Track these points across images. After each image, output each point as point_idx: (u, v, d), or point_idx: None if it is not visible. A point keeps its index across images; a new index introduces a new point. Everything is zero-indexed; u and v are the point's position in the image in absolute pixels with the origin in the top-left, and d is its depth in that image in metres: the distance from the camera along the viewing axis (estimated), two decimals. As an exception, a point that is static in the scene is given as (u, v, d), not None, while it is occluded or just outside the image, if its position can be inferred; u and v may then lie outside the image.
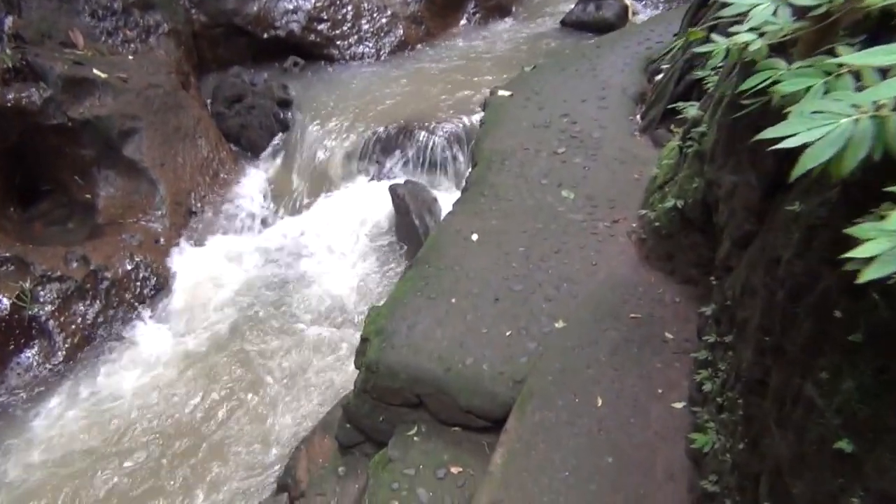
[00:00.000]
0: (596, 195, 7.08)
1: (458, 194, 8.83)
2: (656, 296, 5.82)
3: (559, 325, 5.53)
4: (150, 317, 8.39)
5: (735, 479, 3.22)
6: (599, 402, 4.87)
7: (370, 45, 13.00)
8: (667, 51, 9.61)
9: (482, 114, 9.13)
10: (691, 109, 5.97)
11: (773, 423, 2.31)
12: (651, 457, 4.56)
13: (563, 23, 13.89)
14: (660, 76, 8.77)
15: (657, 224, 6.01)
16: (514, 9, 14.77)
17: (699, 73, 7.33)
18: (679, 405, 4.83)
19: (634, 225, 6.63)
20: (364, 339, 5.71)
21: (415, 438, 5.25)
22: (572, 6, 14.01)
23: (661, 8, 13.88)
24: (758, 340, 2.72)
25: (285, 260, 9.02)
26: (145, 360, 7.80)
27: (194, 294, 8.56)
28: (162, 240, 9.39)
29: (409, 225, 9.35)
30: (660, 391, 4.98)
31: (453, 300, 5.80)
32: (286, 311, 8.14)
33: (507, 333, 5.47)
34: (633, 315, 5.61)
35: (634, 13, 13.99)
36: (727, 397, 3.72)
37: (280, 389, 7.30)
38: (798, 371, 2.13)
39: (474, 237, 6.54)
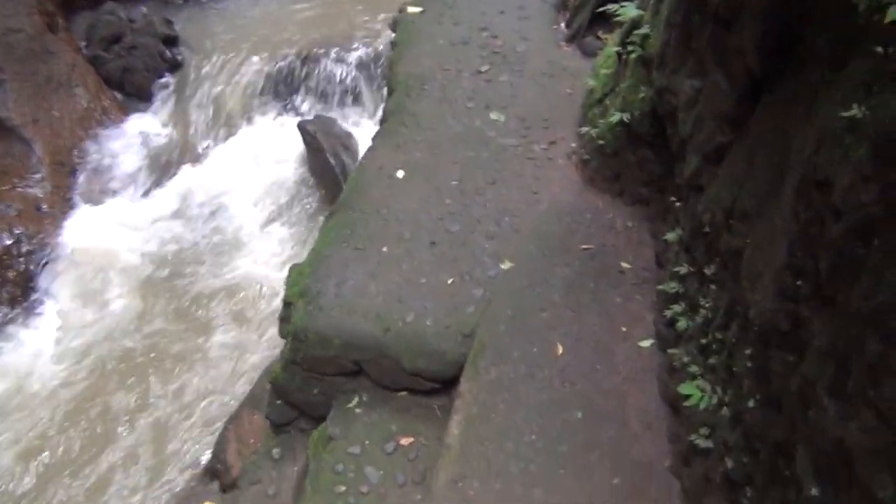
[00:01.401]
0: (527, 115, 6.43)
1: (374, 126, 8.03)
2: (606, 221, 5.29)
3: (505, 265, 4.94)
4: (39, 297, 7.38)
5: (740, 438, 2.73)
6: (560, 349, 4.34)
7: (263, -32, 11.73)
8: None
9: (393, 35, 8.25)
10: (629, 9, 5.32)
11: (827, 392, 1.78)
12: (622, 405, 4.09)
13: (468, -69, 12.89)
14: (582, -22, 8.05)
15: (601, 142, 5.43)
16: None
17: (627, -29, 6.68)
18: (646, 343, 4.36)
19: (574, 145, 6.04)
20: (287, 304, 5.01)
21: (356, 410, 4.64)
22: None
23: None
24: (782, 282, 2.17)
25: (188, 217, 8.07)
26: (37, 348, 6.86)
27: (88, 266, 7.56)
28: (45, 206, 8.27)
29: (324, 164, 8.51)
30: (623, 329, 4.49)
31: (384, 248, 5.12)
32: (194, 278, 7.27)
33: (449, 281, 4.85)
34: (583, 246, 5.07)
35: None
36: (715, 338, 3.22)
37: (196, 367, 6.51)
38: (873, 332, 1.58)
39: (400, 174, 5.83)
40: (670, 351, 3.84)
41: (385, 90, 7.95)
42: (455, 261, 5.00)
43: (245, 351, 6.63)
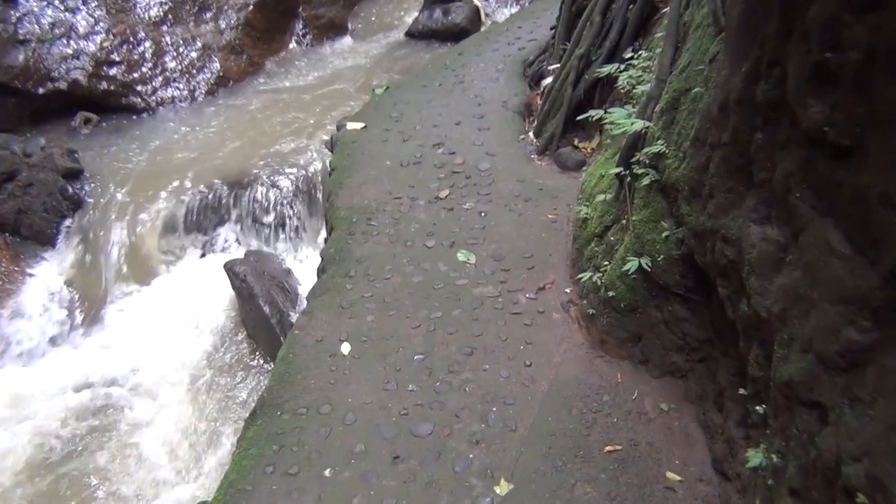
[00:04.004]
0: (504, 253, 5.09)
1: (316, 257, 6.63)
2: (631, 405, 3.87)
3: (501, 489, 3.45)
4: None
5: None
6: None
7: (181, 85, 10.50)
8: (544, 49, 7.86)
9: (331, 157, 6.97)
10: (626, 118, 4.09)
11: None
12: None
13: (408, 34, 11.97)
14: (547, 80, 6.95)
15: (610, 294, 4.07)
16: (349, 25, 12.69)
17: (604, 70, 5.54)
18: None
19: (569, 290, 4.69)
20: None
21: None
22: (416, 14, 12.13)
23: (516, 5, 12.20)
24: None
25: (89, 397, 6.37)
26: None
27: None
28: None
29: (258, 315, 7.00)
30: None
31: (327, 472, 3.60)
32: (87, 484, 5.55)
33: (424, 527, 3.34)
34: (608, 448, 3.62)
35: (487, 14, 12.29)
36: None
37: None
38: None
39: (345, 349, 4.37)
40: None
41: (324, 223, 6.58)
42: (429, 486, 3.49)
43: None
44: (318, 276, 5.33)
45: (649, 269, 3.74)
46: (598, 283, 4.21)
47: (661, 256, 3.69)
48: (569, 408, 3.85)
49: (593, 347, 4.24)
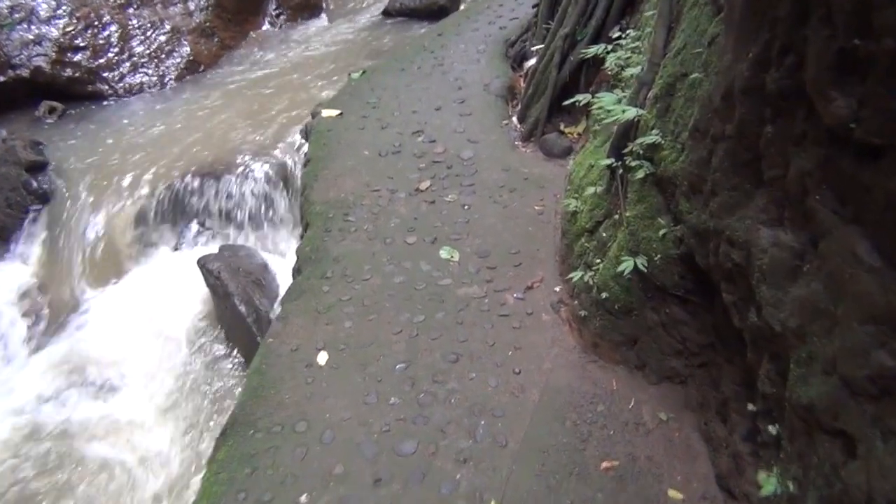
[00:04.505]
0: (490, 249, 4.81)
1: (295, 249, 6.35)
2: (628, 414, 3.62)
3: (492, 512, 3.20)
4: None
5: None
6: None
7: (150, 71, 10.08)
8: (527, 28, 7.53)
9: (306, 147, 6.64)
10: (616, 105, 3.80)
11: None
12: None
13: (385, 13, 11.57)
14: (531, 62, 6.64)
15: (603, 295, 3.81)
16: (324, 4, 12.26)
17: (590, 51, 5.23)
18: None
19: (559, 289, 4.42)
20: None
21: None
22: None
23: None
24: None
25: (54, 411, 6.06)
26: None
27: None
28: None
29: (234, 313, 6.68)
30: None
31: (303, 499, 3.33)
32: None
33: (409, 560, 3.08)
34: (605, 464, 3.37)
35: (468, -9, 11.90)
36: None
37: None
38: None
39: (322, 358, 4.09)
40: None
41: (300, 218, 6.26)
42: (414, 511, 3.23)
43: None
44: (294, 276, 5.04)
45: (645, 270, 3.48)
46: (590, 282, 3.94)
47: (658, 256, 3.43)
48: (562, 419, 3.60)
49: (586, 351, 3.98)
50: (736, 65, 2.63)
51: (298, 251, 5.22)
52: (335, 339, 4.21)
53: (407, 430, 3.61)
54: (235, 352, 6.56)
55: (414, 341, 4.14)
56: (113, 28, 10.12)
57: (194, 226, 8.08)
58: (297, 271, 5.02)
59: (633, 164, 3.63)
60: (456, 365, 3.96)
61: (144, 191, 8.13)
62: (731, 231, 2.75)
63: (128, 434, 5.63)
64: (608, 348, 3.90)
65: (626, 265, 3.51)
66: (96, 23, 10.05)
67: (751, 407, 2.82)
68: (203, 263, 7.07)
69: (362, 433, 3.61)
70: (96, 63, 9.88)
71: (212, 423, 5.44)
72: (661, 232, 3.41)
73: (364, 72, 7.68)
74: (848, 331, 2.05)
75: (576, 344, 4.04)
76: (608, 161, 3.95)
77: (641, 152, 3.62)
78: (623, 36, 5.05)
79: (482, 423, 3.62)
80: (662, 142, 3.45)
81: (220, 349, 6.67)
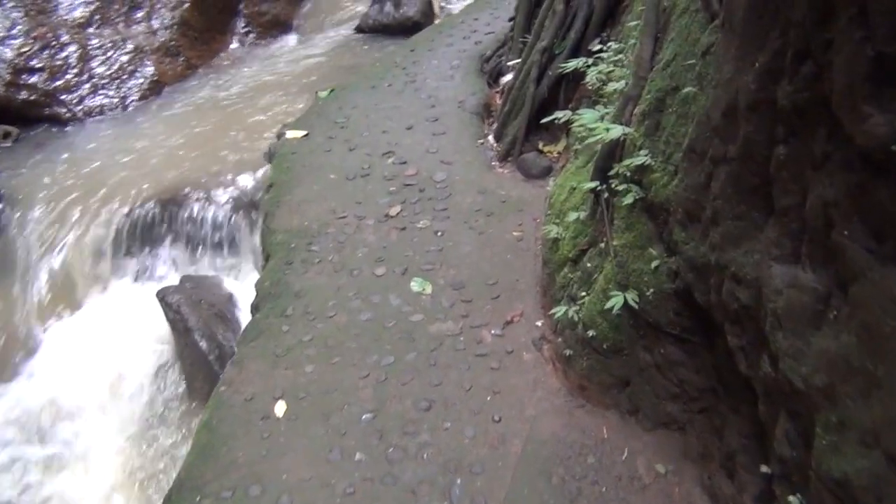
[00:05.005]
0: (464, 279, 4.43)
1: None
2: (621, 468, 3.23)
3: (470, 591, 2.79)
4: None
5: None
6: None
7: (110, 93, 9.64)
8: (503, 42, 7.20)
9: (269, 171, 6.25)
10: (598, 122, 3.44)
11: None
12: None
13: (358, 29, 11.23)
14: (507, 77, 6.30)
15: (591, 334, 3.43)
16: (294, 22, 11.90)
17: (569, 65, 4.88)
18: None
19: (540, 324, 4.04)
20: None
21: None
22: (363, 9, 11.40)
23: (471, -6, 11.52)
24: None
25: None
26: None
27: None
28: None
29: (194, 349, 6.24)
30: None
31: (254, 578, 2.90)
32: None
33: None
34: (598, 528, 2.98)
35: (442, 7, 11.59)
36: None
37: None
38: None
39: (279, 409, 3.67)
40: None
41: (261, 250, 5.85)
42: (381, 591, 2.81)
43: None
44: (252, 313, 4.62)
45: (636, 306, 3.11)
46: (575, 318, 3.56)
47: (651, 290, 3.06)
48: (547, 475, 3.20)
49: (572, 395, 3.60)
50: (739, 76, 2.28)
51: (257, 285, 4.81)
52: (295, 385, 3.79)
53: (374, 491, 3.20)
54: (196, 390, 6.11)
55: (382, 387, 3.73)
56: (72, 48, 9.71)
57: (155, 255, 7.64)
58: (255, 308, 4.61)
59: (620, 187, 3.28)
60: (428, 413, 3.56)
61: (103, 219, 7.67)
62: (737, 267, 2.39)
63: (75, 484, 5.17)
64: (597, 391, 3.52)
65: (616, 301, 3.14)
66: (54, 43, 9.63)
67: (764, 469, 2.45)
68: (162, 296, 6.63)
69: (323, 497, 3.19)
70: (53, 85, 9.45)
71: (166, 475, 4.99)
72: (654, 264, 3.05)
73: (332, 90, 7.31)
74: (892, 398, 1.68)
75: (561, 386, 3.65)
76: (592, 184, 3.60)
77: (629, 175, 3.27)
78: (604, 49, 4.71)
79: (458, 481, 3.21)
80: (652, 163, 3.10)
81: (180, 388, 6.23)
